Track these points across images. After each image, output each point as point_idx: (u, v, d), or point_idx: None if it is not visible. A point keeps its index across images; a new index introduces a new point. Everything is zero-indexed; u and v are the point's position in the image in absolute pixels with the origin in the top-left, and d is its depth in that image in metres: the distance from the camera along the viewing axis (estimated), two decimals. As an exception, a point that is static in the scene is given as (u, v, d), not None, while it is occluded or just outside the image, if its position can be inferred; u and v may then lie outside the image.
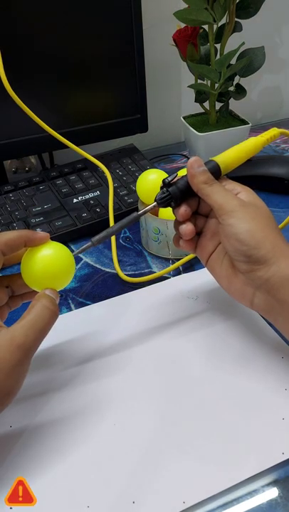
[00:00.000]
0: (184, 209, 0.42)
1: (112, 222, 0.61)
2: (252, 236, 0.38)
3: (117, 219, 0.64)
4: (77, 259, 0.59)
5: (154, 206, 0.43)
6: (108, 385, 0.43)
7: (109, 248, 0.61)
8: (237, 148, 0.43)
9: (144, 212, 0.43)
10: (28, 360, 0.35)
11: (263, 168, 0.70)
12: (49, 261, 0.38)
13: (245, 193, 0.41)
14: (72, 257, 0.40)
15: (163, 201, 0.42)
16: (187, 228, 0.42)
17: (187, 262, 0.57)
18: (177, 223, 0.43)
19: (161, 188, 0.42)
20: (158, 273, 0.56)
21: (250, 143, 0.43)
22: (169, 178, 0.42)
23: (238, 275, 0.40)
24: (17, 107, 0.58)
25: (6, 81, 0.57)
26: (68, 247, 0.61)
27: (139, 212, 0.43)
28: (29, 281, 0.39)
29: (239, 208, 0.39)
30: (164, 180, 0.42)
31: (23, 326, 0.35)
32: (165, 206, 0.42)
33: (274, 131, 0.44)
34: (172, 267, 0.56)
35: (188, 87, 0.72)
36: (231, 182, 0.43)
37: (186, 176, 0.42)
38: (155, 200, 0.42)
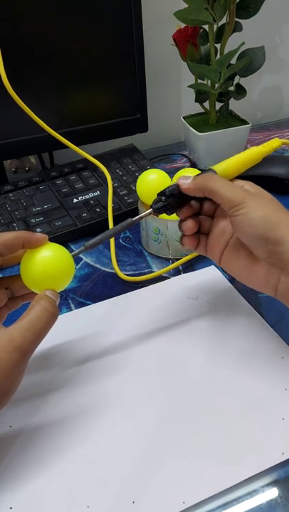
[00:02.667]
0: (185, 209, 0.43)
1: (110, 223, 0.61)
2: (266, 220, 0.38)
3: (116, 219, 0.64)
4: (77, 259, 0.59)
5: (150, 213, 0.43)
6: (108, 385, 0.43)
7: (110, 248, 0.61)
8: (237, 158, 0.44)
9: (140, 219, 0.43)
10: (25, 361, 0.35)
11: (263, 168, 0.70)
12: (48, 262, 0.38)
13: (249, 185, 0.42)
14: (72, 259, 0.40)
15: (159, 210, 0.43)
16: (187, 224, 0.43)
17: (187, 261, 0.57)
18: (180, 222, 0.44)
19: (158, 195, 0.43)
20: (157, 272, 0.56)
21: (251, 153, 0.44)
22: (168, 190, 0.42)
23: (260, 263, 0.40)
24: (17, 106, 0.58)
25: (7, 81, 0.57)
26: (68, 247, 0.61)
27: (134, 219, 0.43)
28: (28, 282, 0.39)
29: (247, 199, 0.39)
30: (164, 192, 0.42)
31: (22, 327, 0.35)
32: (160, 213, 0.43)
33: (276, 143, 0.45)
34: (172, 266, 0.56)
35: (188, 87, 0.72)
36: (234, 180, 0.43)
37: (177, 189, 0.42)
38: (151, 207, 0.43)
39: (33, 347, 0.35)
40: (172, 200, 0.42)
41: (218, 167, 0.43)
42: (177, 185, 0.42)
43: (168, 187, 0.42)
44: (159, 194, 0.43)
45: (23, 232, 0.39)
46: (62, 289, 0.40)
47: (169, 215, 0.43)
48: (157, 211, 0.43)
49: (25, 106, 0.58)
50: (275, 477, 0.36)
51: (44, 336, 0.36)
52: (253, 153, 0.44)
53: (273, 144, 0.45)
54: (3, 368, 0.33)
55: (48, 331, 0.36)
